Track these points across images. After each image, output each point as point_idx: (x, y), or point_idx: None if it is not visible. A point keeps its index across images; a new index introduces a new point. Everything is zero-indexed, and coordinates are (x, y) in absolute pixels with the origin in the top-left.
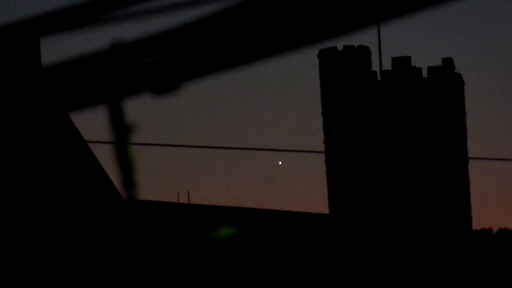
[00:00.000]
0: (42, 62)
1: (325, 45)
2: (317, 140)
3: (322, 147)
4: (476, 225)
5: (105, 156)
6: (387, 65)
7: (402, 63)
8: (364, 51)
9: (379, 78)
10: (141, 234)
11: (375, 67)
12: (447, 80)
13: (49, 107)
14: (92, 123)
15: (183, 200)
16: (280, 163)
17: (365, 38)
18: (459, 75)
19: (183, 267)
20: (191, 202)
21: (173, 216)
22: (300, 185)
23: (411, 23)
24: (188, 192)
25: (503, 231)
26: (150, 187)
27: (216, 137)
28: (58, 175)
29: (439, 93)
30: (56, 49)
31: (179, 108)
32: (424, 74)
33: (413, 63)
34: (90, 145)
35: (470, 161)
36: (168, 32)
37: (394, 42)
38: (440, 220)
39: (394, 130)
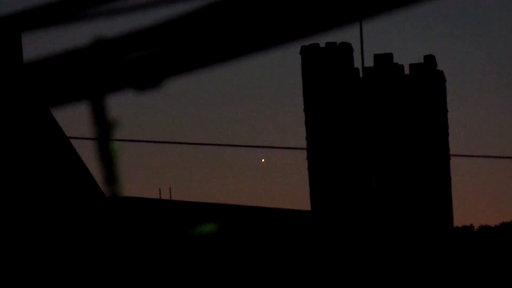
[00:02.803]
0: (24, 57)
1: (307, 41)
2: (299, 137)
3: (304, 144)
4: (457, 222)
5: (87, 153)
6: (369, 62)
7: (384, 60)
8: (346, 48)
9: (361, 75)
10: (123, 230)
11: (357, 64)
12: (429, 77)
13: (31, 103)
14: (74, 119)
15: (165, 196)
16: (263, 160)
17: (347, 35)
18: (441, 72)
19: (165, 263)
20: (173, 198)
21: (155, 213)
22: (282, 182)
23: (393, 20)
24: (170, 188)
25: (484, 228)
26: (132, 184)
27: (199, 133)
28: (39, 172)
29: (421, 90)
30: (38, 44)
31: (161, 104)
32: (406, 71)
33: (395, 60)
34: (72, 141)
35: (452, 158)
36: (151, 28)
37: (376, 39)
38: (422, 217)
39: (376, 127)
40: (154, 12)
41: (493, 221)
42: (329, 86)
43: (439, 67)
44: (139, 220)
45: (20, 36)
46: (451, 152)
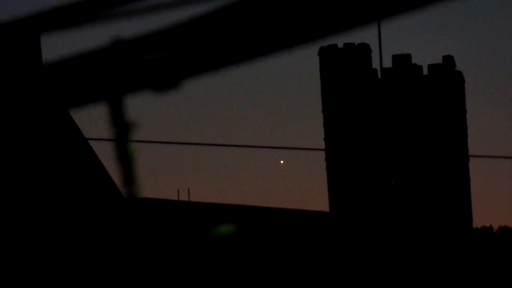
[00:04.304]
0: (43, 59)
1: (326, 42)
2: (318, 138)
3: (322, 145)
4: (477, 223)
5: (106, 154)
6: (388, 63)
7: (402, 60)
8: (365, 48)
9: (379, 76)
10: (142, 231)
11: (375, 64)
12: (447, 78)
13: (50, 104)
14: (92, 120)
15: (184, 197)
16: (282, 162)
17: (365, 35)
18: (460, 73)
19: (184, 264)
20: (192, 199)
21: (174, 214)
22: (301, 183)
23: (411, 20)
24: (188, 189)
25: (503, 229)
26: (150, 185)
27: (217, 134)
28: (58, 173)
29: (440, 91)
30: (56, 46)
31: (179, 105)
32: (425, 71)
33: (413, 61)
34: (90, 142)
35: (471, 159)
36: (168, 29)
37: (395, 39)
38: (441, 218)
39: (394, 128)
40: (172, 13)
41: None
42: (348, 87)
43: (458, 68)
44: (158, 221)
45: (39, 37)
46: (470, 152)
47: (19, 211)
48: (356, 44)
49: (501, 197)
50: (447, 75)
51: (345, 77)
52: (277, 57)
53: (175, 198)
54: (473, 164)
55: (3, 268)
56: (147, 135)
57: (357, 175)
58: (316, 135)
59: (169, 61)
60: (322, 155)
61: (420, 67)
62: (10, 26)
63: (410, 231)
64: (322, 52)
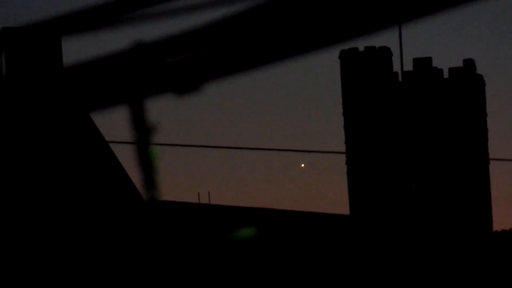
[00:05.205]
0: (64, 62)
1: (346, 46)
2: (338, 141)
3: (343, 148)
4: (497, 226)
5: (127, 157)
6: (408, 66)
7: (423, 64)
8: (385, 52)
9: (400, 79)
10: (162, 234)
11: (396, 68)
12: (468, 81)
13: (70, 107)
14: (113, 123)
15: (204, 200)
16: (302, 165)
17: (386, 39)
18: (480, 76)
19: (204, 267)
20: (212, 202)
21: (194, 217)
22: (321, 186)
23: (432, 23)
24: (209, 192)
25: None
26: (171, 188)
27: (238, 137)
28: (79, 175)
29: (460, 94)
30: (77, 49)
31: (200, 108)
32: (445, 75)
33: (434, 64)
34: (111, 145)
35: (491, 162)
36: (190, 32)
37: (415, 43)
38: (461, 221)
39: (415, 131)
40: (193, 16)
41: None
42: (368, 90)
43: (479, 71)
44: (178, 224)
45: (60, 41)
46: (491, 156)
47: (40, 212)
48: (377, 47)
49: None
50: (467, 78)
51: (366, 80)
52: (298, 60)
53: (196, 201)
54: (493, 167)
55: (22, 266)
56: (168, 138)
57: (378, 178)
58: (336, 138)
59: (190, 64)
60: (342, 158)
61: (441, 70)
62: (31, 29)
63: (430, 234)
64: (343, 55)
